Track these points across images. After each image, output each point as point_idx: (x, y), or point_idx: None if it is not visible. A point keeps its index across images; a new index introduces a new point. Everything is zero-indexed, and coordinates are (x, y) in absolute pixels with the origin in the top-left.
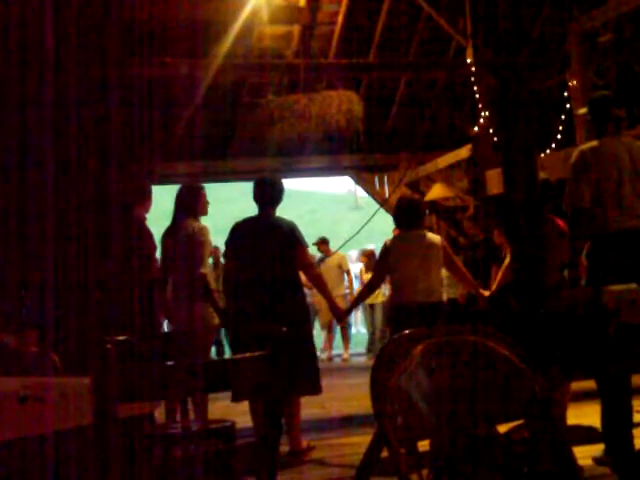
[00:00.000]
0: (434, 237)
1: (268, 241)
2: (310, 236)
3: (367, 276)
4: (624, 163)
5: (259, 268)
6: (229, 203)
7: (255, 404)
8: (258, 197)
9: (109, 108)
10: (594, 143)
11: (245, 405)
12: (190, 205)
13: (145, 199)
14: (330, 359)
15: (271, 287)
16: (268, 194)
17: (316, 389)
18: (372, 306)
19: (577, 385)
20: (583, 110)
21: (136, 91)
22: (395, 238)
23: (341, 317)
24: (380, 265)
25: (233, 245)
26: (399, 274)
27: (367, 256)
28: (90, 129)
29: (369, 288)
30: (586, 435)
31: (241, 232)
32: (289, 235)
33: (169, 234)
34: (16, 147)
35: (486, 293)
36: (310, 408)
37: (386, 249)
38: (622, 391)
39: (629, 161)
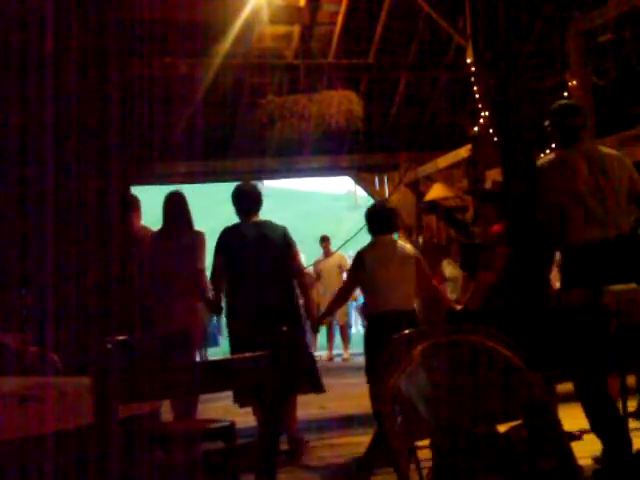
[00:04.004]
0: (407, 246)
1: (266, 245)
2: (310, 236)
3: None
4: (582, 173)
5: (259, 270)
6: (229, 203)
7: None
8: (243, 204)
9: (109, 108)
10: (551, 156)
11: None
12: (187, 211)
13: (137, 207)
14: (330, 359)
15: (270, 289)
16: (253, 200)
17: (317, 387)
18: None
19: (569, 386)
20: (546, 122)
21: (136, 91)
22: (370, 246)
23: (316, 324)
24: (354, 272)
25: (229, 248)
26: (375, 282)
27: None
28: (90, 129)
29: (343, 295)
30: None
31: (236, 237)
32: (283, 238)
33: (164, 238)
34: (16, 147)
35: (458, 307)
36: (310, 408)
37: (361, 257)
38: (602, 390)
39: (588, 171)
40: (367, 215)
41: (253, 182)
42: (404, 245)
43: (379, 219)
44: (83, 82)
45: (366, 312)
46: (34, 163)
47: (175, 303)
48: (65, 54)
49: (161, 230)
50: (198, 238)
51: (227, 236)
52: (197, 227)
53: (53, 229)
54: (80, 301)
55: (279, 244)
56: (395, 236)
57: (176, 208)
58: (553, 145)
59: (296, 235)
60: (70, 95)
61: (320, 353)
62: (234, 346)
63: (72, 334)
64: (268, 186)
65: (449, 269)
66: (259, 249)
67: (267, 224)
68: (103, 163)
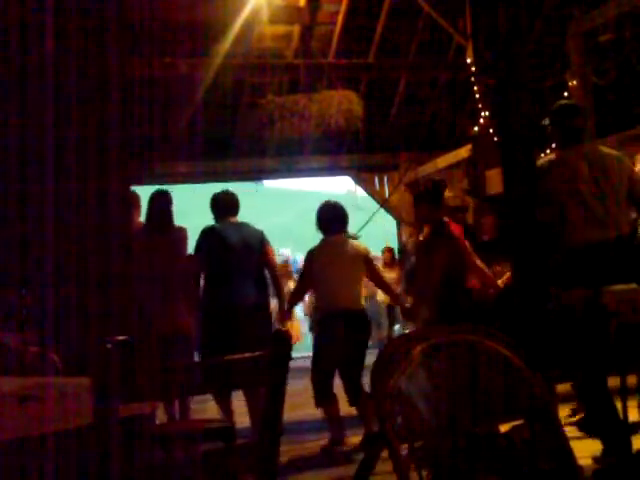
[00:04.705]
0: (358, 245)
1: (243, 244)
2: (310, 236)
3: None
4: (582, 173)
5: (237, 270)
6: None
7: (222, 400)
8: (222, 207)
9: (109, 108)
10: (551, 156)
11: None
12: (171, 210)
13: (138, 204)
14: None
15: (248, 288)
16: (234, 204)
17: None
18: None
19: (569, 386)
20: (546, 121)
21: (136, 91)
22: (319, 245)
23: (283, 320)
24: (306, 272)
25: (208, 249)
26: (323, 282)
27: (388, 252)
28: (90, 129)
29: (298, 294)
30: None
31: (214, 237)
32: (261, 237)
33: (155, 235)
34: (16, 147)
35: (407, 305)
36: (310, 408)
37: (310, 257)
38: (602, 390)
39: (588, 171)
40: (317, 214)
41: (231, 190)
42: (354, 244)
43: (329, 219)
44: (83, 82)
45: (316, 312)
46: (34, 163)
47: (173, 302)
48: (65, 54)
49: (146, 227)
50: (181, 235)
51: (206, 236)
52: (197, 227)
53: (53, 229)
54: (80, 301)
55: (255, 244)
56: (345, 235)
57: (162, 207)
58: (553, 145)
59: (296, 235)
60: (70, 95)
61: None
62: (206, 345)
63: (72, 334)
64: (268, 186)
65: None
66: (237, 248)
67: (244, 225)
68: (103, 163)
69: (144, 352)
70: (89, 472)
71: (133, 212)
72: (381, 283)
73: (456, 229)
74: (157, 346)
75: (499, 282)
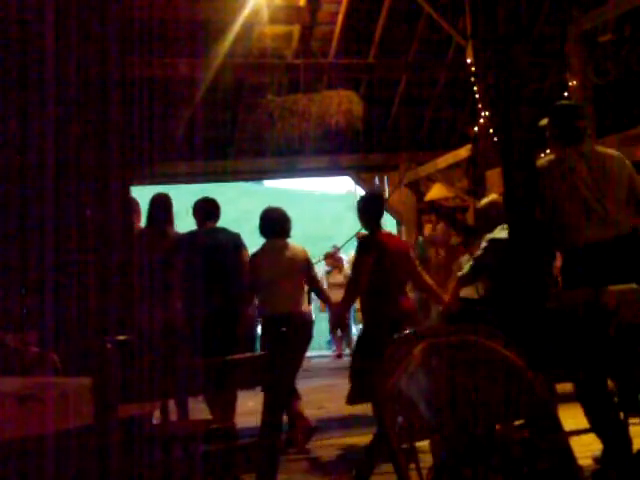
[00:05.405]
0: (298, 248)
1: (225, 247)
2: (310, 236)
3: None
4: (582, 173)
5: (219, 270)
6: (229, 203)
7: (212, 396)
8: (203, 213)
9: (109, 108)
10: (551, 156)
11: (245, 405)
12: (171, 213)
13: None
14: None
15: (221, 293)
16: (215, 210)
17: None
18: None
19: (569, 386)
20: (544, 121)
21: (136, 91)
22: (260, 250)
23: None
24: (251, 276)
25: (191, 253)
26: (263, 286)
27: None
28: (90, 129)
29: (248, 298)
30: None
31: (199, 242)
32: (237, 241)
33: (156, 238)
34: (16, 147)
35: (335, 306)
36: (310, 408)
37: (254, 260)
38: (602, 390)
39: (587, 171)
40: (260, 219)
41: (212, 197)
42: (296, 248)
43: (271, 223)
44: (83, 82)
45: (259, 314)
46: (34, 163)
47: (168, 299)
48: (65, 54)
49: (148, 231)
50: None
51: (182, 243)
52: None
53: (53, 229)
54: (80, 301)
55: (230, 248)
56: (289, 240)
57: (165, 210)
58: (552, 145)
59: (296, 235)
60: (70, 95)
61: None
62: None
63: (72, 334)
64: (268, 186)
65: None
66: (212, 253)
67: (221, 230)
68: (103, 163)
69: (143, 351)
70: (89, 472)
71: (133, 217)
72: (317, 287)
73: (390, 240)
74: (155, 344)
75: (445, 297)
